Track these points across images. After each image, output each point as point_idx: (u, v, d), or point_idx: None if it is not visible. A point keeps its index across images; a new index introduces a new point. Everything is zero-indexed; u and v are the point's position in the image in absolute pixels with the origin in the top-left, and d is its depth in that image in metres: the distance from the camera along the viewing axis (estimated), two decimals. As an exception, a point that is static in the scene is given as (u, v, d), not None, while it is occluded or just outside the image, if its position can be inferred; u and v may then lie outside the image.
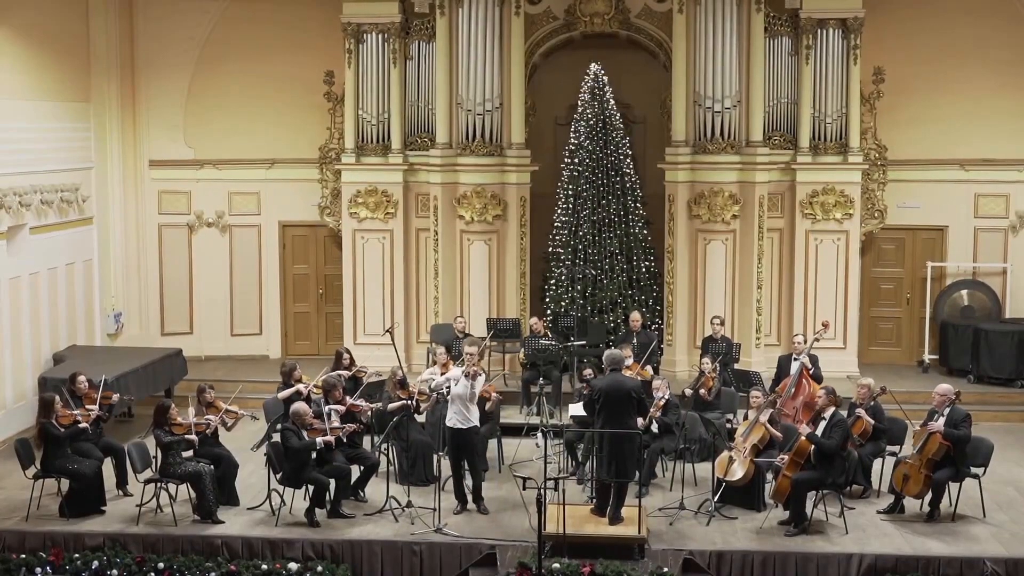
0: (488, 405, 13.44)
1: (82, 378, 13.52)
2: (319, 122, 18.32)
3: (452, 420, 12.60)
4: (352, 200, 17.79)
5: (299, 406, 12.63)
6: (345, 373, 14.39)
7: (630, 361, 14.27)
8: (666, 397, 13.51)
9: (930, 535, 11.99)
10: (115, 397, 13.71)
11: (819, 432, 12.21)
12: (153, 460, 12.75)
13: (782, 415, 13.38)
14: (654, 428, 13.32)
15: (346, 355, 14.86)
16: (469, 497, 12.76)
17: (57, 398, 12.87)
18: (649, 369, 14.87)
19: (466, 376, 12.54)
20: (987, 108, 17.88)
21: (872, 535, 12.01)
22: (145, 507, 12.51)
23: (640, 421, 12.36)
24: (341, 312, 18.22)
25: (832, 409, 12.31)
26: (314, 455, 12.42)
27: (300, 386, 13.87)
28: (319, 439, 12.38)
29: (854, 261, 17.57)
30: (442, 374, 13.48)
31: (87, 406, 13.18)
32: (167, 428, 12.52)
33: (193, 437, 12.62)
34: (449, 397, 12.60)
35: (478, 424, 12.83)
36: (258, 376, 17.36)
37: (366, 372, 14.62)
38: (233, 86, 18.68)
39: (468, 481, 12.82)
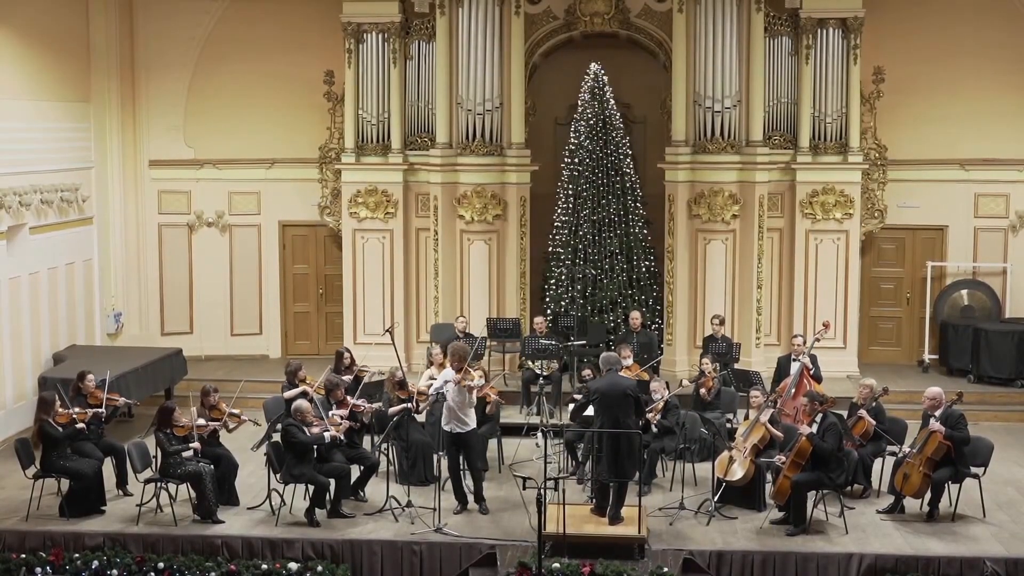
0: (489, 408, 13.43)
1: (91, 377, 13.49)
2: (319, 122, 18.31)
3: (449, 426, 12.58)
4: (352, 200, 17.79)
5: (301, 403, 12.65)
6: (348, 376, 14.38)
7: (629, 361, 14.26)
8: (665, 398, 13.49)
9: (930, 535, 11.99)
10: (121, 401, 13.65)
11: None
12: (153, 460, 12.74)
13: (783, 415, 13.37)
14: (654, 428, 13.32)
15: (347, 355, 14.86)
16: (469, 497, 12.76)
17: (56, 397, 12.86)
18: (650, 373, 14.82)
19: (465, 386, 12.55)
20: (987, 108, 17.87)
21: (872, 535, 12.01)
22: (145, 507, 12.50)
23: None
24: (341, 312, 18.22)
25: (820, 415, 12.27)
26: (315, 453, 12.42)
27: (305, 387, 13.85)
28: (327, 432, 12.38)
29: (854, 261, 17.57)
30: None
31: (90, 405, 13.13)
32: (170, 432, 12.50)
33: (197, 445, 12.55)
34: (447, 402, 12.55)
35: (475, 426, 12.82)
36: (258, 376, 17.33)
37: (367, 371, 14.61)
38: (233, 86, 18.67)
39: (468, 481, 12.83)
